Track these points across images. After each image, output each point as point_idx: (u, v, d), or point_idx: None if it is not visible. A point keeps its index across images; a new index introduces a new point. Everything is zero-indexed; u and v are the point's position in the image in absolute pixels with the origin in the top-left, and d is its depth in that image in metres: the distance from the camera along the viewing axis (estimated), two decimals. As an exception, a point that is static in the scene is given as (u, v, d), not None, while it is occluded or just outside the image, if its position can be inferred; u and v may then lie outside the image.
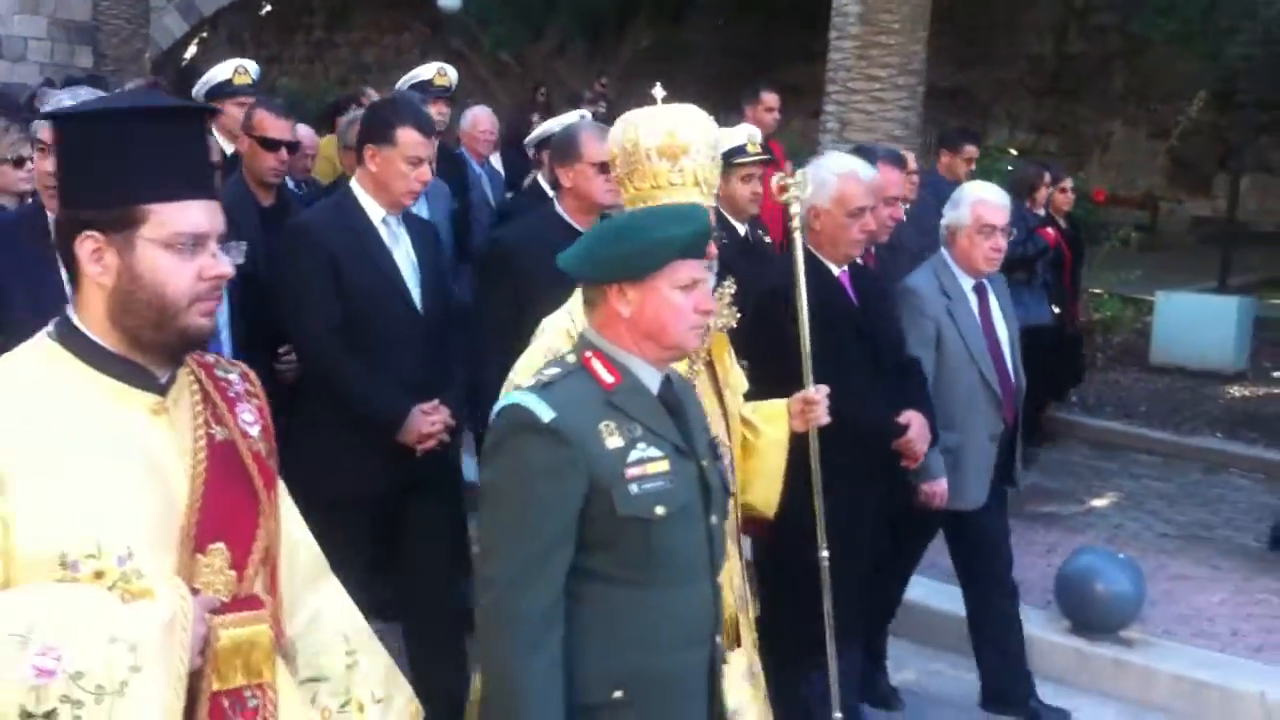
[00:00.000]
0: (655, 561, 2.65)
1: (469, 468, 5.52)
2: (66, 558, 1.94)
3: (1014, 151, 14.29)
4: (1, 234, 4.11)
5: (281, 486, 2.34)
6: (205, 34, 23.17)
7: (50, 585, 1.93)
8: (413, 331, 4.38)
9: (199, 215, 2.05)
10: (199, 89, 6.10)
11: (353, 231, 4.27)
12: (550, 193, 5.75)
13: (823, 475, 3.83)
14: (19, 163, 4.76)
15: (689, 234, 2.71)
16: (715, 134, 3.36)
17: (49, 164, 3.73)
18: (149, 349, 2.08)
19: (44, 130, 4.12)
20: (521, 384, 2.77)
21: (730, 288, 3.60)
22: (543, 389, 2.64)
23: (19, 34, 16.75)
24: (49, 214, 3.85)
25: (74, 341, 2.07)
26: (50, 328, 2.11)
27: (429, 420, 4.34)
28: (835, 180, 4.37)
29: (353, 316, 4.24)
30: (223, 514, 2.12)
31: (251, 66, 6.17)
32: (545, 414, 2.57)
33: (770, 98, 8.22)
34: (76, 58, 16.53)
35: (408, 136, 4.35)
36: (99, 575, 1.95)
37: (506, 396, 2.73)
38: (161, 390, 2.11)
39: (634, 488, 2.61)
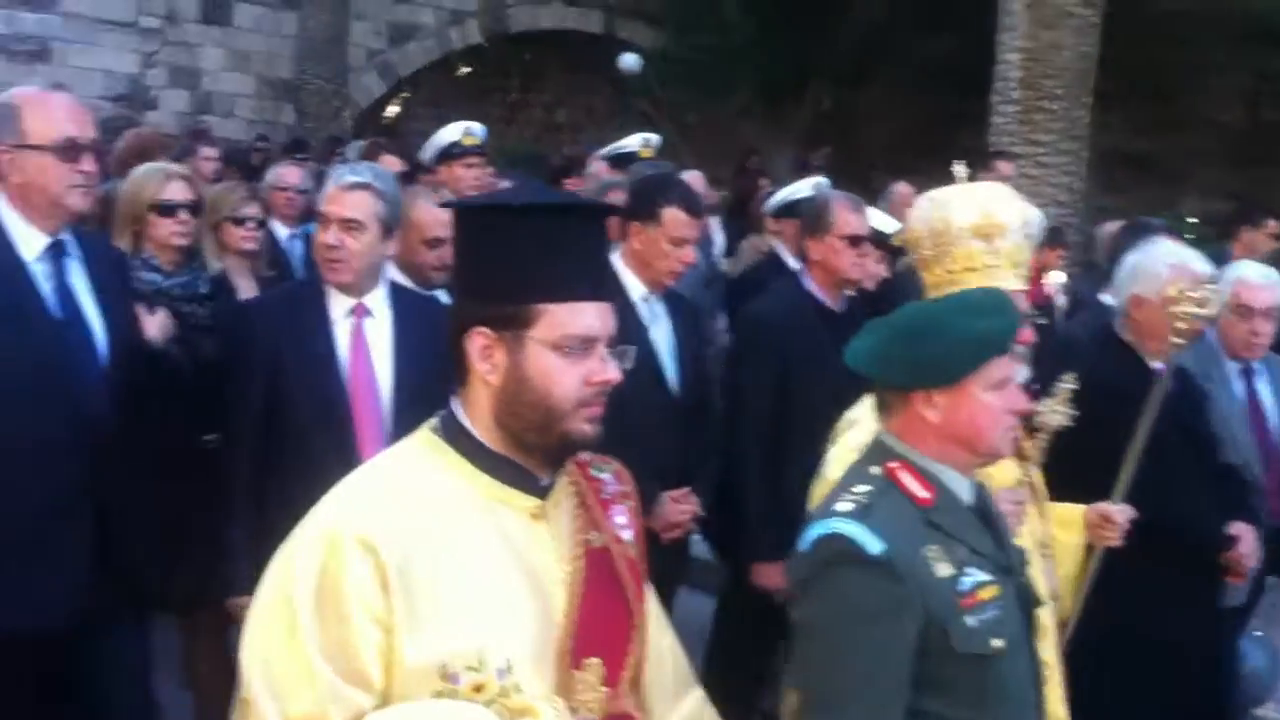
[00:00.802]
0: (992, 700, 2.38)
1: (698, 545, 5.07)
2: (447, 669, 1.86)
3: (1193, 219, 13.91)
4: (285, 304, 3.96)
5: (650, 591, 2.19)
6: (406, 94, 24.20)
7: (436, 703, 1.86)
8: (665, 415, 4.22)
9: (592, 318, 1.96)
10: (427, 152, 6.21)
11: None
12: (793, 265, 5.64)
13: (1138, 590, 3.57)
14: (240, 221, 4.97)
15: (1002, 329, 2.44)
16: (1028, 212, 3.12)
17: (330, 236, 3.68)
18: (531, 451, 2.00)
19: (328, 201, 3.83)
20: (837, 506, 2.43)
21: (1071, 384, 3.38)
22: (863, 513, 2.36)
23: (228, 91, 17.80)
24: (326, 287, 3.76)
25: (460, 439, 2.00)
26: (435, 422, 2.04)
27: (678, 509, 4.18)
28: (1166, 272, 3.94)
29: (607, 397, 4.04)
30: (598, 626, 2.02)
31: (478, 129, 6.22)
32: (874, 545, 2.31)
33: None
34: (280, 115, 17.48)
35: (673, 216, 4.24)
36: (478, 689, 1.87)
37: (824, 524, 2.41)
38: (542, 494, 2.02)
39: (970, 620, 2.35)
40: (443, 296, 4.13)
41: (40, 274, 3.34)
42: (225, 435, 3.78)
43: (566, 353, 1.95)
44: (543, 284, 1.93)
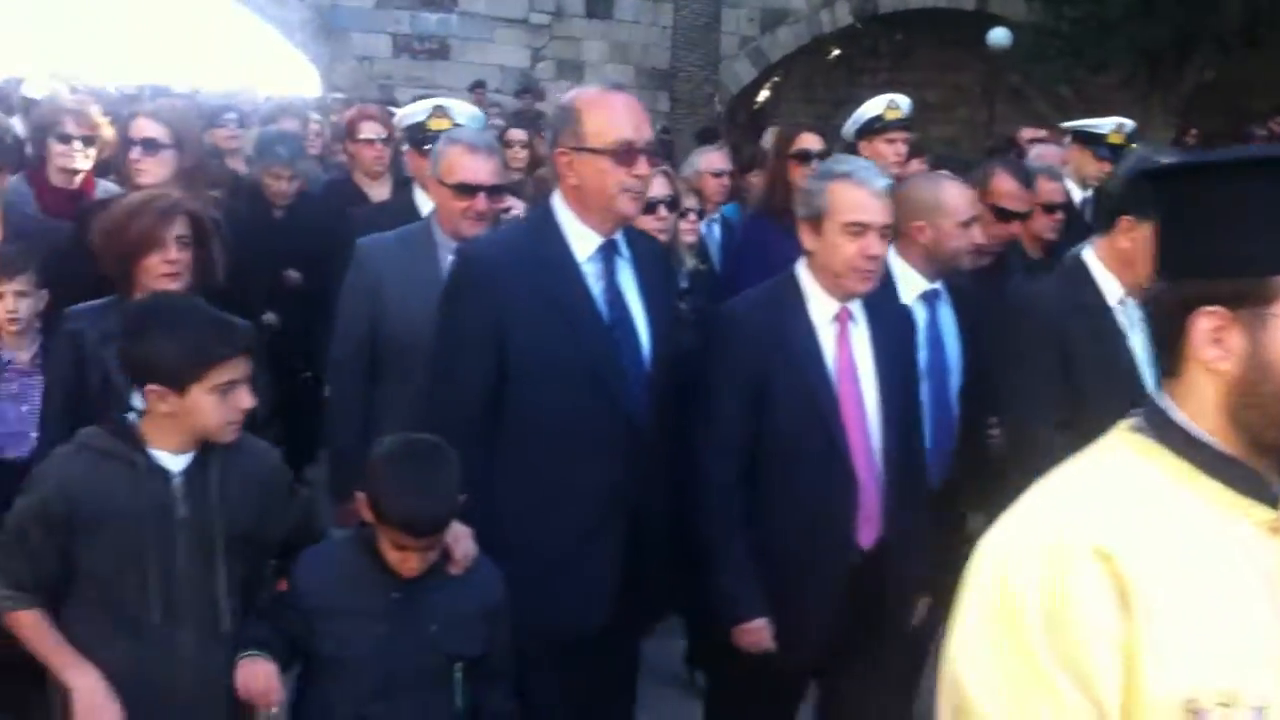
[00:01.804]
0: None
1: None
2: (1196, 703, 1.63)
3: None
4: (767, 306, 3.65)
5: None
6: (777, 79, 24.74)
7: None
8: None
9: None
10: (850, 127, 5.98)
11: (1085, 312, 3.77)
12: None
13: None
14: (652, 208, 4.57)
15: None
16: None
17: (877, 245, 3.43)
18: (1267, 452, 1.73)
19: (865, 210, 3.48)
20: None
21: None
22: None
23: (609, 81, 18.84)
24: (807, 289, 3.54)
25: (1175, 439, 1.74)
26: (1137, 421, 1.80)
27: None
28: None
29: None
30: None
31: (903, 102, 5.96)
32: None
33: None
34: (656, 103, 18.36)
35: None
36: None
37: None
38: (1274, 502, 1.73)
39: None
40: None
41: (591, 274, 3.31)
42: (707, 442, 3.51)
43: None
44: None
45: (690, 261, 4.80)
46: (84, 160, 5.08)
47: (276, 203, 6.54)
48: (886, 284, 3.77)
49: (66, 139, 5.06)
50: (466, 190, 4.03)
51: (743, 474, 3.46)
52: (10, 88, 12.06)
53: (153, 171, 4.59)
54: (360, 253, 4.20)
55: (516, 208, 4.56)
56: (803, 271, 3.55)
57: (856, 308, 3.54)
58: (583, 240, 3.30)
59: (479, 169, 4.06)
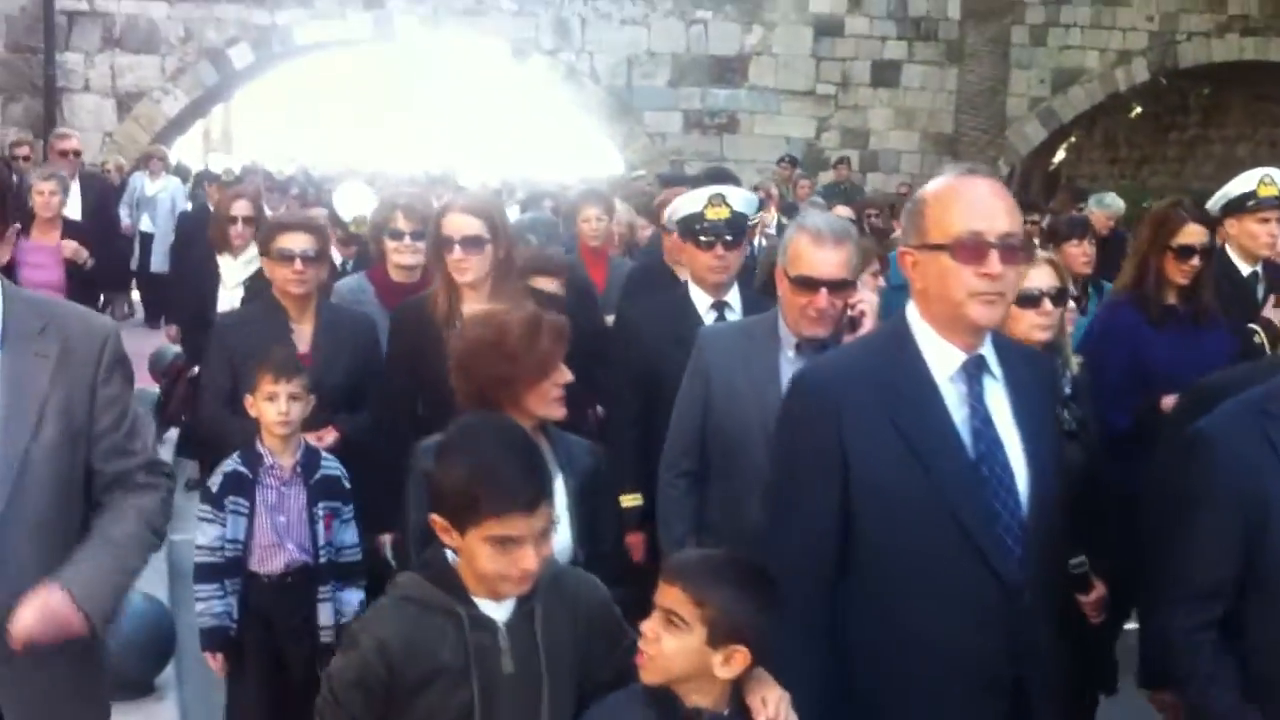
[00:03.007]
0: None
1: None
2: None
3: None
4: None
5: None
6: (1075, 138, 24.30)
7: None
8: None
9: None
10: (1216, 202, 5.43)
11: None
12: None
13: None
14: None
15: None
16: None
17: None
18: None
19: None
20: None
21: None
22: None
23: (893, 148, 19.06)
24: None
25: None
26: None
27: None
28: None
29: None
30: None
31: (1278, 175, 5.35)
32: None
33: None
34: (939, 168, 18.46)
35: None
36: None
37: None
38: None
39: None
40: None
41: (952, 398, 2.76)
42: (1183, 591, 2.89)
43: None
44: None
45: (1075, 363, 4.17)
46: (415, 255, 5.16)
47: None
48: None
49: (398, 235, 5.22)
50: (807, 284, 3.68)
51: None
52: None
53: (476, 269, 4.35)
54: (701, 340, 4.05)
55: (866, 303, 3.97)
56: None
57: None
58: (942, 356, 2.76)
59: (822, 261, 3.68)
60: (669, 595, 2.48)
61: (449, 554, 2.57)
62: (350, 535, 4.32)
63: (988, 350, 2.81)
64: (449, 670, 2.51)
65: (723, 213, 4.53)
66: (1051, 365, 3.24)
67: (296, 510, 4.19)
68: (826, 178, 17.46)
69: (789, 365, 3.71)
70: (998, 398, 2.81)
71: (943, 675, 2.72)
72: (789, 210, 11.50)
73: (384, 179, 17.35)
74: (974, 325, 2.72)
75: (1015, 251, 2.69)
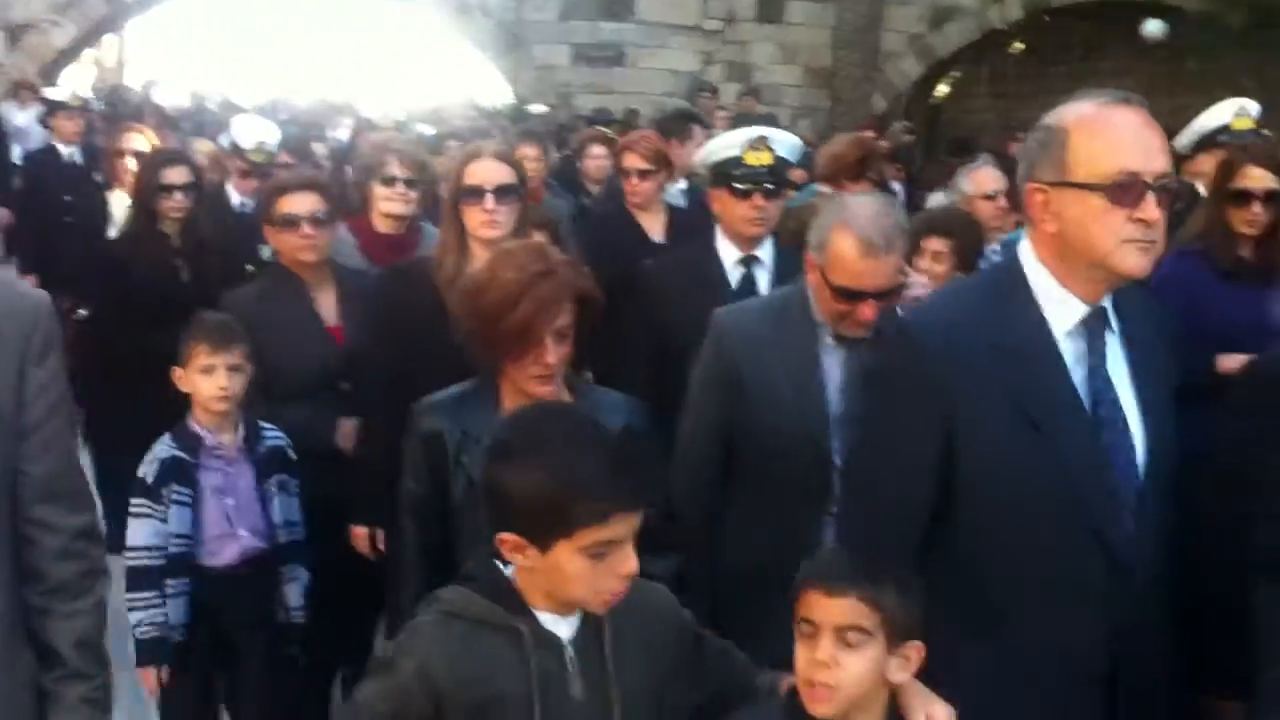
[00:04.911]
0: None
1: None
2: None
3: None
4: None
5: None
6: (956, 74, 24.90)
7: None
8: None
9: None
10: (1186, 139, 5.27)
11: None
12: None
13: None
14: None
15: None
16: None
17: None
18: None
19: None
20: None
21: None
22: None
23: (776, 82, 19.63)
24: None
25: None
26: None
27: None
28: None
29: None
30: None
31: (1253, 107, 5.25)
32: None
33: None
34: (819, 101, 19.07)
35: None
36: None
37: None
38: None
39: None
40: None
41: (1070, 356, 2.48)
42: None
43: None
44: None
45: None
46: (407, 205, 4.84)
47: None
48: None
49: (391, 181, 4.81)
50: (850, 296, 3.24)
51: None
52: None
53: (507, 223, 3.89)
54: (718, 327, 3.47)
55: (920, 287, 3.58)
56: None
57: None
58: (1061, 309, 2.48)
59: (871, 273, 3.22)
60: (838, 610, 2.14)
61: (497, 562, 2.20)
62: (293, 511, 3.88)
63: (1108, 301, 2.53)
64: (507, 698, 2.12)
65: (764, 158, 4.04)
66: (1171, 316, 2.84)
67: (246, 490, 3.75)
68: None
69: (829, 355, 3.37)
70: (1115, 355, 2.53)
71: (1038, 660, 2.46)
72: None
73: (284, 107, 17.66)
74: (1122, 275, 2.44)
75: (1170, 194, 2.41)
